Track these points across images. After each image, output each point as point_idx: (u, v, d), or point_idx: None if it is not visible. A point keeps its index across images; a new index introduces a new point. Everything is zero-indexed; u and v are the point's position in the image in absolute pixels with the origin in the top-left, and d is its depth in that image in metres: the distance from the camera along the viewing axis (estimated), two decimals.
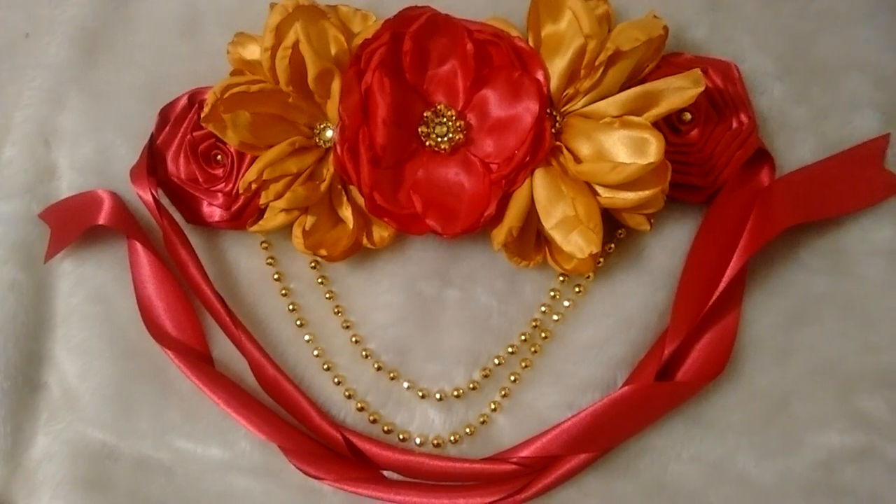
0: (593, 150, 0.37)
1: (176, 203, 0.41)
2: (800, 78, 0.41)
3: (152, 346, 0.40)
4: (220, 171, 0.41)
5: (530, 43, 0.39)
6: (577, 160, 0.37)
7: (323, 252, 0.38)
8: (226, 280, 0.41)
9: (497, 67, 0.39)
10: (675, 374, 0.38)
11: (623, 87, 0.38)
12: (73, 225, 0.41)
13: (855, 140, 0.40)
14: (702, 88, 0.36)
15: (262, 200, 0.38)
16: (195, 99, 0.41)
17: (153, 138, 0.41)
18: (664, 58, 0.39)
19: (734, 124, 0.39)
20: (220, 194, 0.40)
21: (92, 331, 0.41)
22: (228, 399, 0.39)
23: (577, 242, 0.37)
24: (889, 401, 0.38)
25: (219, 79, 0.42)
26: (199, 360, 0.40)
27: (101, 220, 0.40)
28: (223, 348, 0.40)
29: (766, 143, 0.40)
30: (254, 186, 0.38)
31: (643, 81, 0.39)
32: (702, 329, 0.38)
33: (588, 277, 0.40)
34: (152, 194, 0.40)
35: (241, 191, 0.38)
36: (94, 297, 0.41)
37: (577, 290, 0.40)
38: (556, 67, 0.38)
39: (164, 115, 0.41)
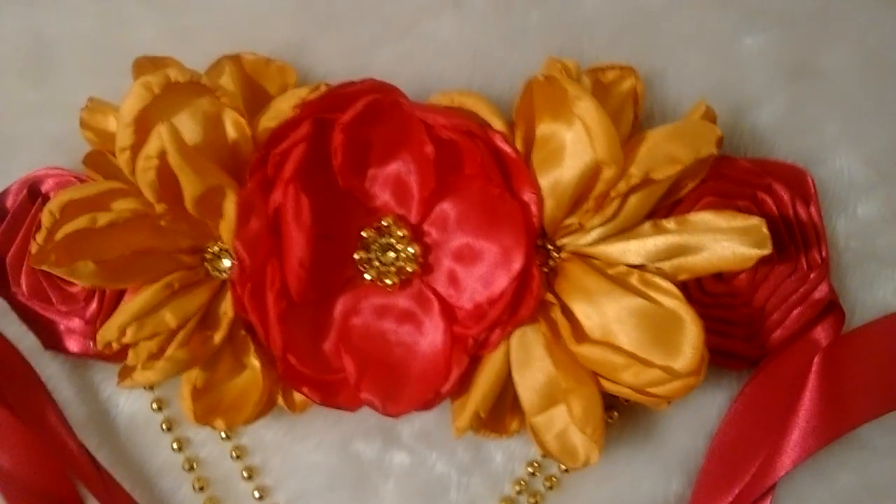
0: (597, 320, 0.26)
1: (28, 323, 0.30)
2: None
3: None
4: (77, 290, 0.29)
5: (518, 143, 0.26)
6: (576, 331, 0.26)
7: (220, 424, 0.28)
8: (101, 424, 0.31)
9: (469, 177, 0.27)
10: None
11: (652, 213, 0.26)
12: None
13: None
14: (766, 252, 0.25)
15: (131, 362, 0.27)
16: (38, 189, 0.29)
17: None
18: (714, 162, 0.27)
19: (800, 265, 0.28)
20: (78, 319, 0.29)
21: None
22: None
23: (569, 445, 0.26)
24: None
25: (82, 145, 0.30)
26: None
27: None
28: None
29: (836, 280, 0.29)
30: (115, 346, 0.27)
31: (678, 203, 0.27)
32: None
33: None
34: None
35: (99, 347, 0.27)
36: None
37: (563, 466, 0.30)
38: (553, 185, 0.26)
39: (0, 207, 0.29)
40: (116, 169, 0.28)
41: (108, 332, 0.26)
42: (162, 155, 0.24)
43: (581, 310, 0.26)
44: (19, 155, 0.30)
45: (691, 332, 0.24)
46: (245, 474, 0.31)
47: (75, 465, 0.30)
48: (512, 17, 0.29)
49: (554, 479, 0.30)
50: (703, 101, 0.26)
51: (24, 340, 0.31)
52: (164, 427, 0.31)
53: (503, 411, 0.29)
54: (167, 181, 0.25)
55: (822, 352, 0.28)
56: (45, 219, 0.25)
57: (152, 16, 0.30)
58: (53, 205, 0.25)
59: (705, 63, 0.28)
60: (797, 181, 0.28)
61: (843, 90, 0.28)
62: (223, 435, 0.31)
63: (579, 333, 0.26)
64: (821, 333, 0.29)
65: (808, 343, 0.29)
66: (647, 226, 0.27)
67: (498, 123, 0.26)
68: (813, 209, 0.28)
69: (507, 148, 0.26)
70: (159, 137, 0.24)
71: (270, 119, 0.27)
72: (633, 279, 0.26)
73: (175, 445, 0.31)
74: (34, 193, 0.29)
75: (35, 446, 0.30)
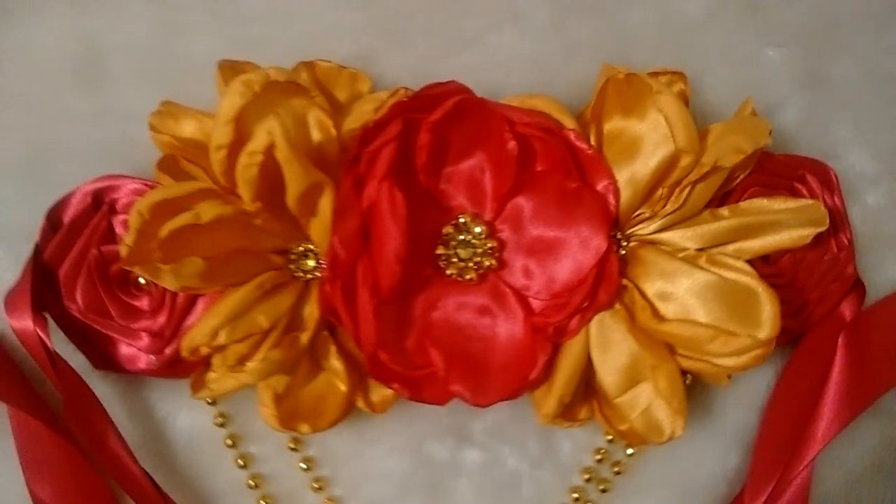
0: (675, 298, 0.28)
1: (77, 342, 0.29)
2: None
3: None
4: (143, 302, 0.28)
5: (591, 140, 0.28)
6: (655, 311, 0.28)
7: (305, 428, 0.28)
8: (156, 445, 0.30)
9: (544, 172, 0.28)
10: None
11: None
12: None
13: None
14: (823, 228, 0.27)
15: (218, 367, 0.26)
16: (103, 196, 0.28)
17: (38, 251, 0.28)
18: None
19: (831, 247, 0.31)
20: (144, 334, 0.28)
21: None
22: None
23: (654, 421, 0.28)
24: None
25: (131, 155, 0.29)
26: None
27: None
28: None
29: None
30: (204, 351, 0.26)
31: (730, 193, 0.30)
32: (773, 496, 0.31)
33: None
34: (39, 335, 0.27)
35: (184, 354, 0.26)
36: None
37: (629, 451, 0.32)
38: (629, 178, 0.28)
39: (54, 218, 0.28)
40: (186, 174, 0.27)
41: (197, 337, 0.25)
42: (267, 150, 0.24)
43: (657, 291, 0.28)
44: (70, 164, 0.29)
45: (767, 303, 0.27)
46: (315, 485, 0.30)
47: (137, 490, 0.28)
48: (566, 31, 0.31)
49: (621, 465, 0.32)
50: (748, 99, 0.29)
51: (72, 360, 0.29)
52: (227, 443, 0.30)
53: (575, 400, 0.30)
54: (267, 178, 0.25)
55: (847, 326, 0.32)
56: (134, 220, 0.25)
57: (215, 25, 0.30)
58: (142, 205, 0.25)
59: (734, 71, 0.32)
60: (822, 173, 0.31)
61: (851, 96, 0.32)
62: (290, 446, 0.30)
63: (657, 314, 0.28)
64: (846, 309, 0.32)
65: (835, 318, 0.32)
66: (704, 214, 0.29)
67: (569, 122, 0.28)
68: (837, 198, 0.31)
69: (581, 144, 0.28)
70: (269, 132, 0.24)
71: (354, 121, 0.27)
72: (702, 260, 0.28)
73: (240, 462, 0.30)
74: (97, 202, 0.28)
75: (85, 475, 0.28)
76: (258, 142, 0.24)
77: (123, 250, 0.24)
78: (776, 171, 0.30)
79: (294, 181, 0.25)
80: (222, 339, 0.25)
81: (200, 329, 0.26)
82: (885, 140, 0.33)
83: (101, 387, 0.29)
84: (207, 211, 0.24)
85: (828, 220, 0.28)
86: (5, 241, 0.29)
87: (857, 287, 0.32)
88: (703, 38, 0.32)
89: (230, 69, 0.27)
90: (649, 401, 0.28)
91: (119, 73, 0.30)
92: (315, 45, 0.30)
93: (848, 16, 0.33)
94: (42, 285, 0.28)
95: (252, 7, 0.31)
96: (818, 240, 0.31)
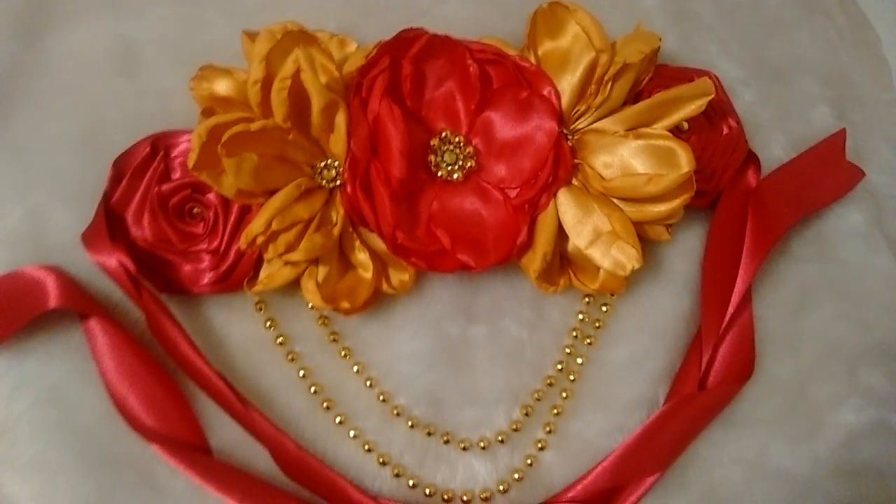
0: (616, 164, 0.36)
1: (144, 271, 0.34)
2: (762, 81, 0.43)
3: (131, 447, 0.33)
4: (199, 228, 0.34)
5: (532, 61, 0.37)
6: (601, 177, 0.36)
7: (345, 304, 0.34)
8: (217, 353, 0.35)
9: (501, 88, 0.37)
10: (706, 379, 0.38)
11: (625, 102, 0.38)
12: (8, 316, 0.33)
13: (816, 135, 0.43)
14: (712, 96, 0.37)
15: (270, 254, 0.33)
16: (159, 146, 0.35)
17: (107, 196, 0.34)
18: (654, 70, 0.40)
19: (725, 130, 0.40)
20: (204, 254, 0.34)
21: (49, 441, 0.33)
22: (238, 492, 0.33)
23: (618, 258, 0.35)
24: (887, 374, 0.41)
25: (170, 121, 0.36)
26: (196, 451, 0.33)
27: (53, 303, 0.33)
28: (222, 436, 0.34)
29: None
30: (260, 240, 0.32)
31: (640, 94, 0.39)
32: (724, 332, 0.39)
33: (613, 295, 0.39)
34: (120, 261, 0.33)
35: (243, 246, 0.32)
36: (47, 398, 0.33)
37: (604, 308, 0.39)
38: (566, 84, 0.36)
39: (119, 167, 0.34)
40: None
41: (255, 227, 0.32)
42: (294, 76, 0.32)
43: (602, 162, 0.36)
44: (119, 135, 0.36)
45: (681, 150, 0.35)
46: (354, 370, 0.36)
47: (211, 386, 0.33)
48: (499, 1, 0.41)
49: (600, 321, 0.39)
50: (640, 23, 0.39)
51: None
52: (278, 342, 0.35)
53: (553, 267, 0.37)
54: (295, 100, 0.33)
55: (754, 188, 0.41)
56: (195, 141, 0.31)
57: (225, 20, 0.38)
58: (201, 128, 0.32)
59: (623, 17, 0.42)
60: (704, 76, 0.41)
61: (711, 23, 0.43)
62: (332, 338, 0.36)
63: (604, 178, 0.36)
64: (750, 177, 0.41)
65: (743, 183, 0.41)
66: (625, 109, 0.38)
67: (512, 50, 0.37)
68: (720, 92, 0.41)
69: (524, 63, 0.37)
70: (294, 61, 0.32)
71: (351, 65, 0.36)
72: (631, 135, 0.37)
73: (290, 357, 0.36)
74: (155, 150, 0.34)
75: (157, 373, 0.33)
76: (287, 69, 0.32)
77: (191, 161, 0.31)
78: (671, 76, 0.40)
79: (316, 97, 0.32)
80: (274, 226, 0.32)
81: (256, 222, 0.32)
82: (744, 51, 0.43)
83: None
84: (254, 123, 0.32)
85: (713, 90, 0.37)
86: (70, 204, 0.35)
87: (753, 159, 0.41)
88: None
89: (250, 34, 0.35)
90: (610, 242, 0.35)
91: (152, 61, 0.37)
92: (309, 26, 0.38)
93: None
94: (110, 224, 0.34)
95: (253, 4, 0.39)
96: (714, 124, 0.40)
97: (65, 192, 0.35)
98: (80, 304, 0.33)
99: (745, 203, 0.40)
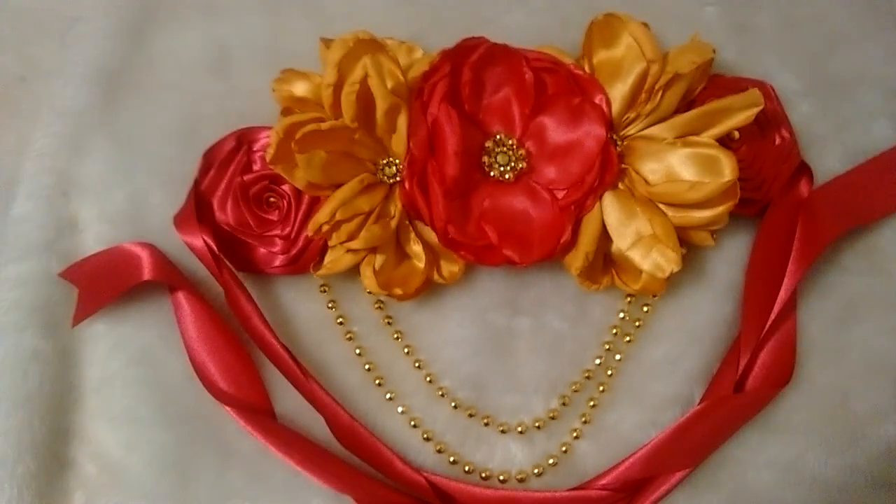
0: (662, 170, 0.38)
1: (225, 251, 0.39)
2: (821, 93, 0.44)
3: (207, 407, 0.37)
4: (274, 215, 0.38)
5: (586, 69, 0.39)
6: (647, 182, 0.38)
7: (398, 291, 0.37)
8: (285, 328, 0.39)
9: (555, 94, 0.39)
10: (745, 383, 0.39)
11: (676, 110, 0.39)
12: (108, 284, 0.38)
13: (875, 148, 0.43)
14: (761, 107, 0.38)
15: (333, 241, 0.36)
16: (244, 140, 0.39)
17: (197, 183, 0.39)
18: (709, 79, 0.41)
19: (777, 140, 0.41)
20: (277, 239, 0.38)
21: (137, 397, 0.38)
22: (297, 454, 0.37)
23: (658, 261, 0.37)
24: None
25: (256, 118, 0.40)
26: (262, 415, 0.37)
27: (147, 276, 0.37)
28: (285, 403, 0.38)
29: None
30: (325, 228, 0.36)
31: (693, 103, 0.40)
32: (765, 337, 0.40)
33: (654, 296, 0.40)
34: (206, 241, 0.37)
35: (310, 233, 0.36)
36: (138, 359, 0.38)
37: (644, 308, 0.40)
38: (617, 92, 0.38)
39: (209, 158, 0.39)
40: None
41: (321, 217, 0.36)
42: (362, 81, 0.35)
43: (648, 167, 0.38)
44: (211, 129, 0.40)
45: (726, 159, 0.36)
46: (405, 352, 0.39)
47: (278, 358, 0.37)
48: (558, 9, 0.43)
49: (640, 320, 0.40)
50: (696, 34, 0.40)
51: None
52: (339, 321, 0.39)
53: (596, 266, 0.39)
54: (362, 103, 0.36)
55: (805, 200, 0.41)
56: (273, 137, 0.35)
57: (307, 26, 0.42)
58: (279, 126, 0.35)
59: (682, 27, 0.43)
60: (760, 86, 0.42)
61: (771, 37, 0.44)
62: (386, 321, 0.39)
63: (650, 183, 0.38)
64: (803, 187, 0.42)
65: (795, 193, 0.41)
66: (675, 117, 0.39)
67: (568, 59, 0.39)
68: (775, 103, 0.42)
69: (578, 71, 0.39)
70: (363, 67, 0.35)
71: (416, 71, 0.39)
72: (679, 143, 0.38)
73: (348, 336, 0.39)
74: (240, 144, 0.39)
75: (232, 343, 0.37)
76: (356, 74, 0.35)
77: (269, 155, 0.35)
78: (724, 86, 0.41)
79: (381, 100, 0.36)
80: (338, 217, 0.35)
81: (323, 212, 0.36)
82: (803, 63, 0.44)
83: None
84: (325, 123, 0.35)
85: (762, 101, 0.38)
86: (166, 189, 0.40)
87: (805, 169, 0.42)
88: (656, 4, 0.43)
89: (326, 41, 0.39)
90: (651, 245, 0.37)
91: (242, 63, 0.42)
92: (381, 34, 0.42)
93: None
94: (198, 209, 0.38)
95: (334, 13, 0.43)
96: (766, 134, 0.41)
97: (162, 178, 0.40)
98: (169, 278, 0.38)
99: (794, 212, 0.41)
